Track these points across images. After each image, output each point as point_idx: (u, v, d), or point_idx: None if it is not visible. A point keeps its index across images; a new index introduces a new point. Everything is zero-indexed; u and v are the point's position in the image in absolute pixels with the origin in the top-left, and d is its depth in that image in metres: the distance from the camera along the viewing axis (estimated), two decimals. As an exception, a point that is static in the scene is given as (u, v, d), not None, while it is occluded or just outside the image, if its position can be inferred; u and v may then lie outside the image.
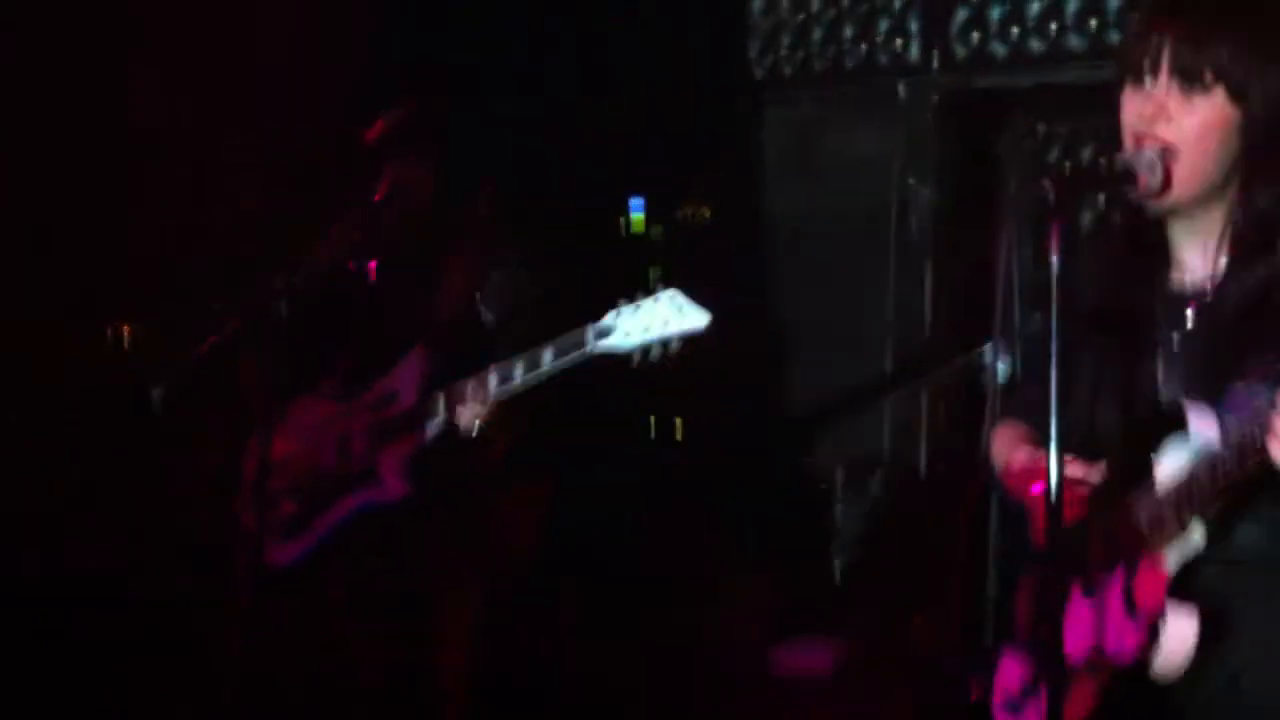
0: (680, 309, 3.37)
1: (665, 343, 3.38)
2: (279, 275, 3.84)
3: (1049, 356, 2.41)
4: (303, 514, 4.02)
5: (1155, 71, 2.56)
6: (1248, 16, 2.60)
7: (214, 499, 4.48)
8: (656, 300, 3.39)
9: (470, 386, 3.66)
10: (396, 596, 3.97)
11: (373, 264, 4.16)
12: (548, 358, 3.52)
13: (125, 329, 5.39)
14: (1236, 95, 2.54)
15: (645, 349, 3.38)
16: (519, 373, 3.58)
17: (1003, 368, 3.69)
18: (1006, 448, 2.82)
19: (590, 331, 3.43)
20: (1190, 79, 2.54)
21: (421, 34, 5.42)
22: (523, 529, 4.06)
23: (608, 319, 3.42)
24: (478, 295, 4.02)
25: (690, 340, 3.38)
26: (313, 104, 5.17)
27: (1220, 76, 2.53)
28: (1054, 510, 2.39)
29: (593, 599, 4.86)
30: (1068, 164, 5.02)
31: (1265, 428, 2.30)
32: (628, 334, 3.39)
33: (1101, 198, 2.74)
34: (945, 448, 5.14)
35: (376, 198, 4.03)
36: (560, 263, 4.29)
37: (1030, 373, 2.88)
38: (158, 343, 5.19)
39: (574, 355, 3.48)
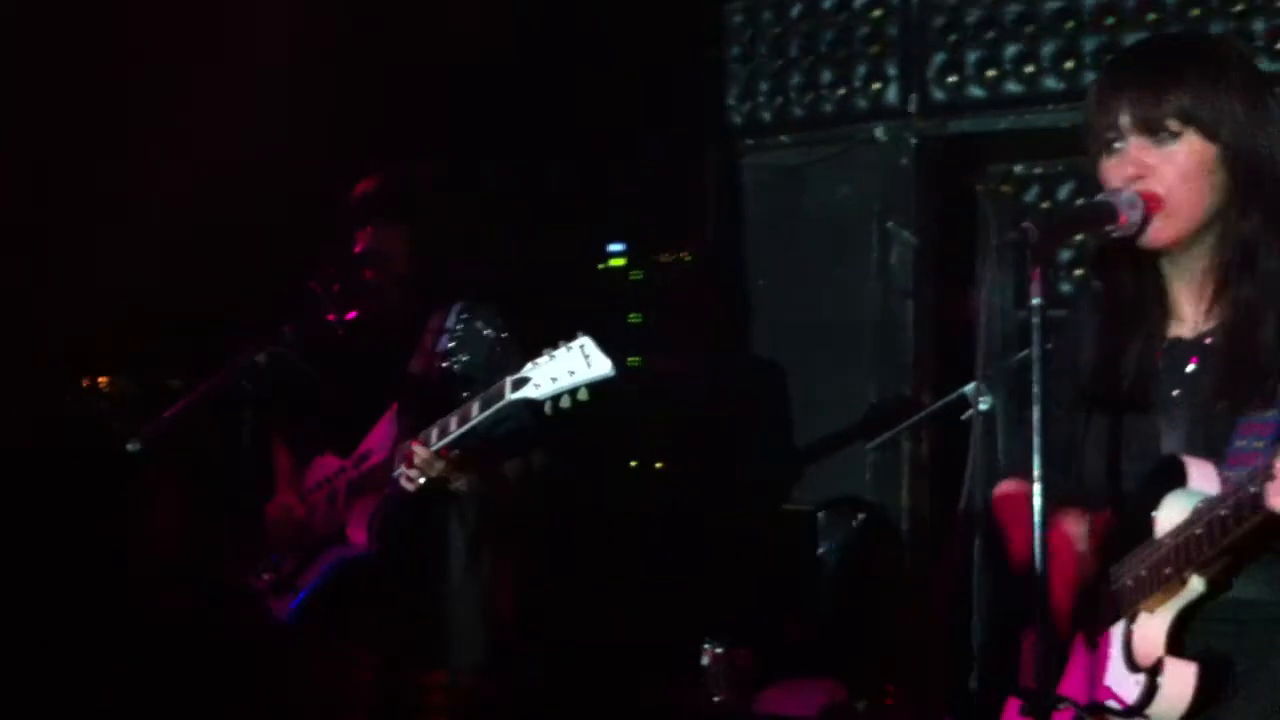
0: (588, 358, 3.40)
1: (573, 391, 3.40)
2: (259, 331, 3.84)
3: (1036, 399, 2.40)
4: (296, 569, 4.04)
5: (1123, 135, 2.58)
6: (1198, 58, 2.62)
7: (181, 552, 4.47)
8: (569, 349, 3.42)
9: (412, 442, 3.69)
10: (381, 667, 3.96)
11: (351, 315, 4.15)
12: (475, 409, 3.56)
13: (101, 380, 5.37)
14: (1208, 134, 2.56)
15: (555, 398, 3.41)
16: (453, 425, 3.61)
17: (985, 406, 3.69)
18: (1012, 510, 2.80)
19: (508, 383, 3.47)
20: (1158, 131, 2.56)
21: (397, 91, 5.43)
22: (498, 601, 4.05)
23: (526, 369, 3.45)
24: (456, 349, 4.03)
25: (598, 389, 3.40)
26: (292, 160, 5.18)
27: (1187, 121, 2.55)
28: (1041, 552, 2.37)
29: (573, 648, 4.83)
30: (1049, 205, 5.03)
31: (1266, 476, 2.28)
32: (538, 384, 3.42)
33: (1097, 250, 2.73)
34: (928, 489, 5.14)
35: (356, 251, 4.05)
36: (538, 312, 4.29)
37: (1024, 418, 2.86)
38: (137, 397, 5.16)
39: (496, 406, 3.51)
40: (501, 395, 3.47)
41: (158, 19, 5.26)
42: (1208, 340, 2.61)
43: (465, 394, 3.68)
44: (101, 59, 5.28)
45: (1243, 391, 2.50)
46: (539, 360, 3.42)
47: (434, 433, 3.65)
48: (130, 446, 3.78)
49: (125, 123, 5.30)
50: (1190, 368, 2.61)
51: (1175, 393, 2.61)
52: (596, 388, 3.38)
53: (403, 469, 3.69)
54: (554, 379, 3.40)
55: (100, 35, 5.30)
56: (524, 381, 3.42)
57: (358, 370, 4.13)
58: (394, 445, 3.85)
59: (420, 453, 3.64)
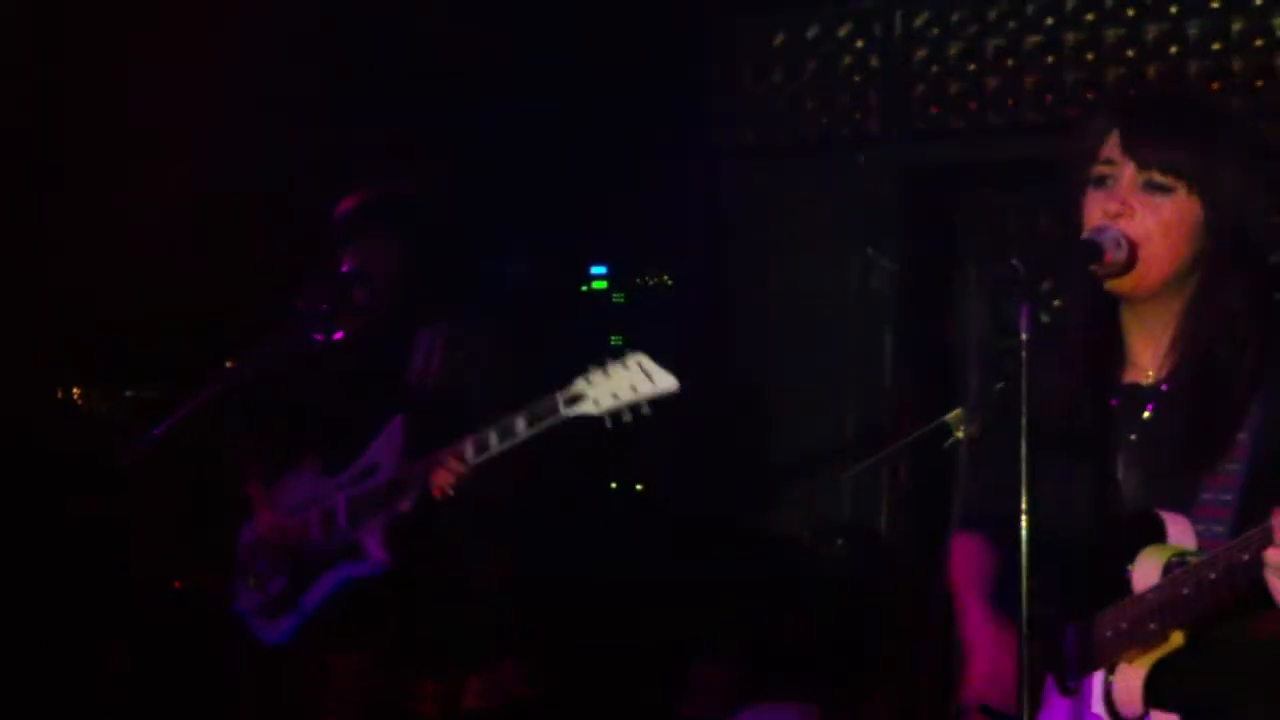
0: (649, 374, 3.45)
1: (635, 407, 3.43)
2: (247, 348, 3.86)
3: (1010, 434, 2.43)
4: (292, 589, 4.03)
5: (1117, 174, 2.60)
6: (1203, 116, 2.67)
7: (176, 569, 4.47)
8: (625, 366, 3.46)
9: (447, 456, 3.69)
10: (376, 677, 3.98)
11: (339, 335, 4.16)
12: (521, 425, 3.57)
13: (75, 392, 5.35)
14: (1198, 195, 2.58)
15: (615, 413, 3.43)
16: (494, 441, 3.62)
17: (966, 436, 3.72)
18: (963, 580, 2.82)
19: (561, 398, 3.48)
20: (1151, 180, 2.58)
21: (383, 108, 5.44)
22: (483, 609, 4.07)
23: (578, 385, 3.48)
24: (450, 364, 4.04)
25: (660, 403, 3.43)
26: (279, 174, 5.19)
27: (1181, 176, 2.57)
28: (1027, 581, 2.39)
29: (558, 661, 4.84)
30: (1035, 240, 5.07)
31: (1263, 542, 2.29)
32: (597, 400, 3.45)
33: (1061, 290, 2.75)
34: (906, 513, 5.17)
35: (343, 269, 4.06)
36: (528, 329, 4.32)
37: (989, 453, 2.88)
38: (126, 413, 5.16)
39: (547, 421, 3.53)
40: (555, 410, 3.50)
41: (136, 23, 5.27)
42: (1164, 388, 2.63)
43: (465, 407, 3.70)
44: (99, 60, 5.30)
45: (1203, 443, 2.53)
46: (590, 376, 3.45)
47: (469, 447, 3.66)
48: (122, 463, 3.80)
49: (114, 127, 5.31)
50: (1146, 414, 2.64)
51: (1132, 438, 2.63)
52: (658, 401, 3.43)
53: (434, 479, 3.69)
54: (615, 395, 3.44)
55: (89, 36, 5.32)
56: (579, 398, 3.45)
57: (347, 387, 4.14)
58: (404, 460, 3.86)
59: (457, 467, 3.65)
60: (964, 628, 2.77)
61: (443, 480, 3.68)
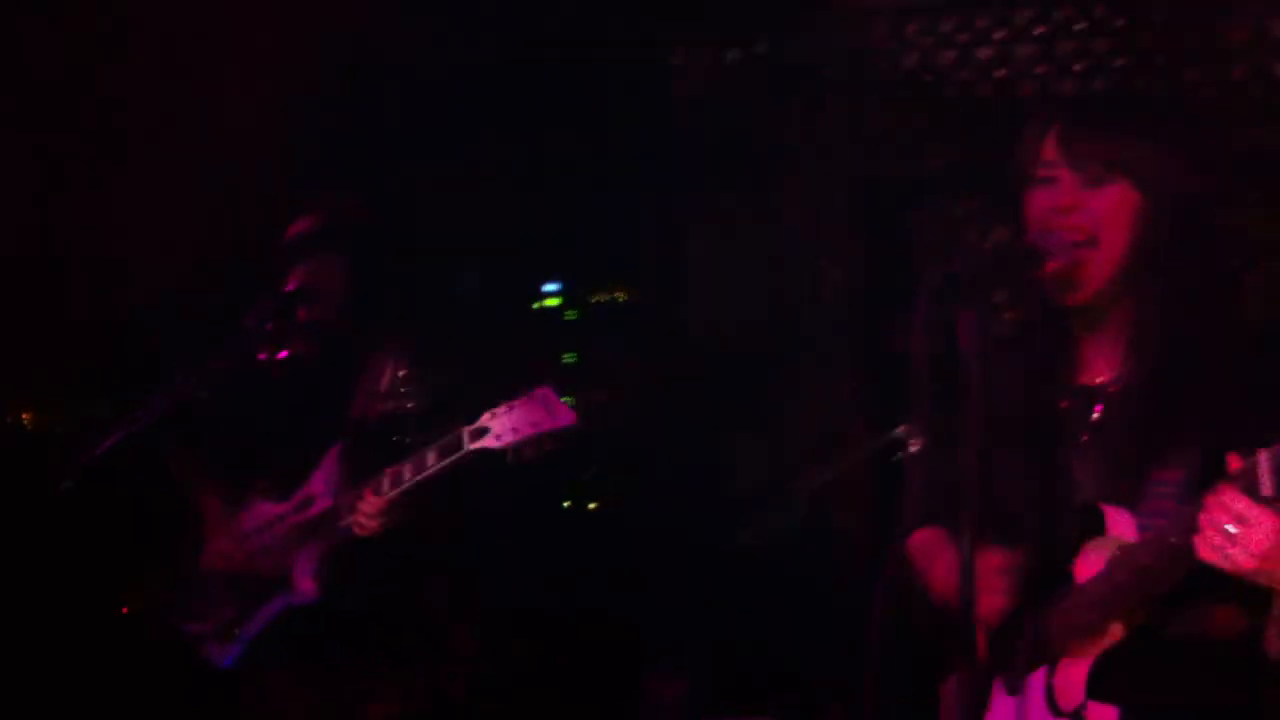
0: (550, 408, 3.44)
1: (537, 442, 3.42)
2: (190, 367, 3.82)
3: (963, 442, 2.42)
4: (236, 617, 4.01)
5: (1058, 170, 2.62)
6: (1144, 110, 2.68)
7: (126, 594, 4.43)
8: (529, 400, 3.45)
9: (369, 488, 3.67)
10: (321, 704, 3.94)
11: (283, 355, 4.11)
12: (431, 459, 3.57)
13: (25, 416, 5.31)
14: (1136, 184, 2.59)
15: (517, 448, 3.41)
16: (407, 474, 3.61)
17: (916, 448, 3.71)
18: (928, 556, 2.82)
19: (466, 433, 3.47)
20: (1092, 174, 2.59)
21: (341, 127, 5.41)
22: (458, 638, 4.04)
23: (484, 420, 3.47)
24: (397, 389, 4.00)
25: (559, 437, 3.43)
26: (231, 197, 5.16)
27: (1122, 170, 2.58)
28: (967, 597, 2.38)
29: (511, 674, 4.82)
30: (980, 246, 5.07)
31: (1190, 528, 2.29)
32: (499, 435, 3.44)
33: (1010, 297, 2.77)
34: (860, 527, 5.16)
35: (288, 289, 4.02)
36: (477, 352, 4.28)
37: (944, 459, 2.87)
38: (67, 434, 5.11)
39: (453, 455, 3.53)
40: (459, 445, 3.50)
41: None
42: (1111, 389, 2.64)
43: (409, 438, 3.67)
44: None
45: (1152, 441, 2.54)
46: (497, 410, 3.45)
47: (386, 481, 3.64)
48: (65, 485, 3.77)
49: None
50: (1095, 415, 2.64)
51: (1083, 439, 2.64)
52: (561, 437, 3.42)
53: (353, 517, 3.67)
54: (515, 430, 3.42)
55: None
56: (483, 432, 3.45)
57: (294, 411, 4.10)
58: (338, 490, 3.83)
59: (372, 502, 3.63)
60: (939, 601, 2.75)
61: (360, 515, 3.66)
